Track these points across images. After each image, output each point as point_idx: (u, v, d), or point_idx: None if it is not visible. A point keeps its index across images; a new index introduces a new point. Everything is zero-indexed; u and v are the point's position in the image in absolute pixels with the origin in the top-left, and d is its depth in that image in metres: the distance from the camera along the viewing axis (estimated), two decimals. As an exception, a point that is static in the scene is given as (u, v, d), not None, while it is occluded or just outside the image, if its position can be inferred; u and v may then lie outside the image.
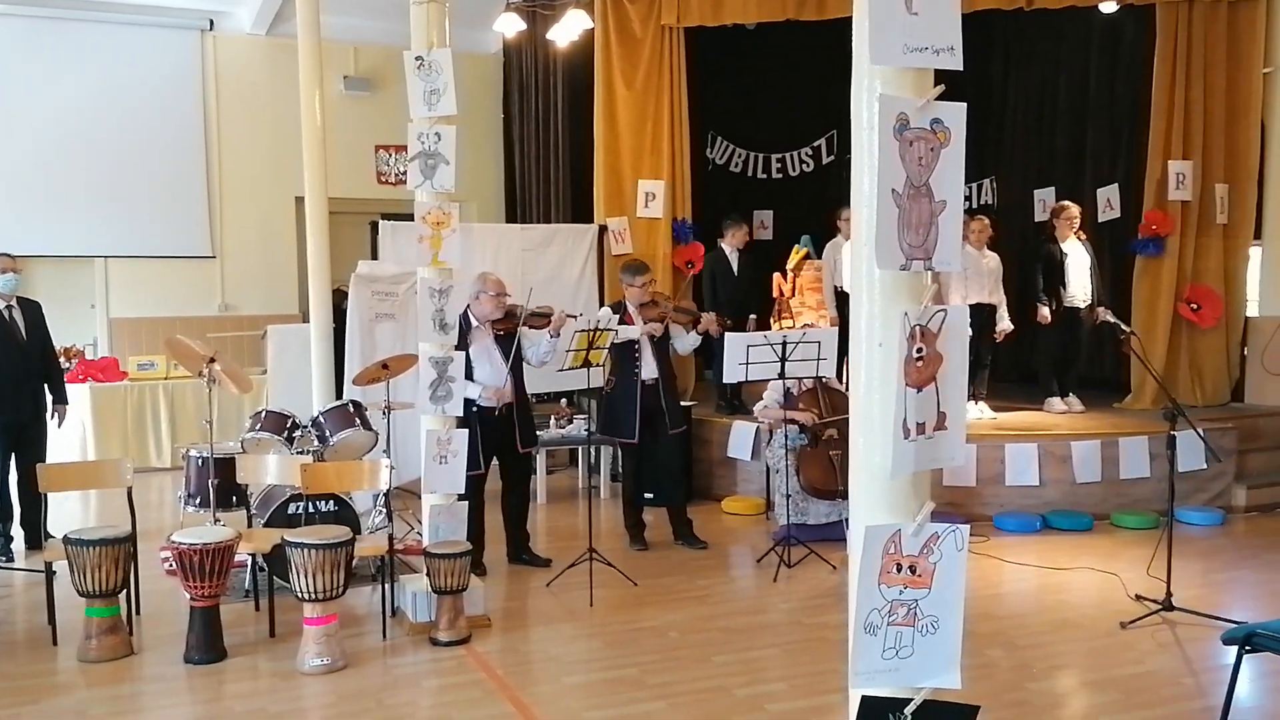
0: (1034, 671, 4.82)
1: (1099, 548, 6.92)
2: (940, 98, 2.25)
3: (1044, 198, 10.82)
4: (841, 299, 8.58)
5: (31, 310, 7.06)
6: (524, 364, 6.55)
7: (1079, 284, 8.60)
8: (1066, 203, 8.95)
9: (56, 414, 7.09)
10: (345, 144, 11.13)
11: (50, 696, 4.61)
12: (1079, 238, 8.68)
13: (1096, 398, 9.13)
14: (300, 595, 4.87)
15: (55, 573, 5.27)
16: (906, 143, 2.19)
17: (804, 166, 12.81)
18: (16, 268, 6.95)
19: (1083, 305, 8.55)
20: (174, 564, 5.05)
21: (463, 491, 5.60)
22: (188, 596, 4.98)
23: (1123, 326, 6.45)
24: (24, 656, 5.07)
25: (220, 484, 5.97)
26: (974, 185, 11.69)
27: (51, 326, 7.23)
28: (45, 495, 5.51)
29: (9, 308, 6.86)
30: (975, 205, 11.54)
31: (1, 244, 10.06)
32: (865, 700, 2.30)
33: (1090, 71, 10.55)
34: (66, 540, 5.02)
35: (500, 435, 6.44)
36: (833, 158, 12.53)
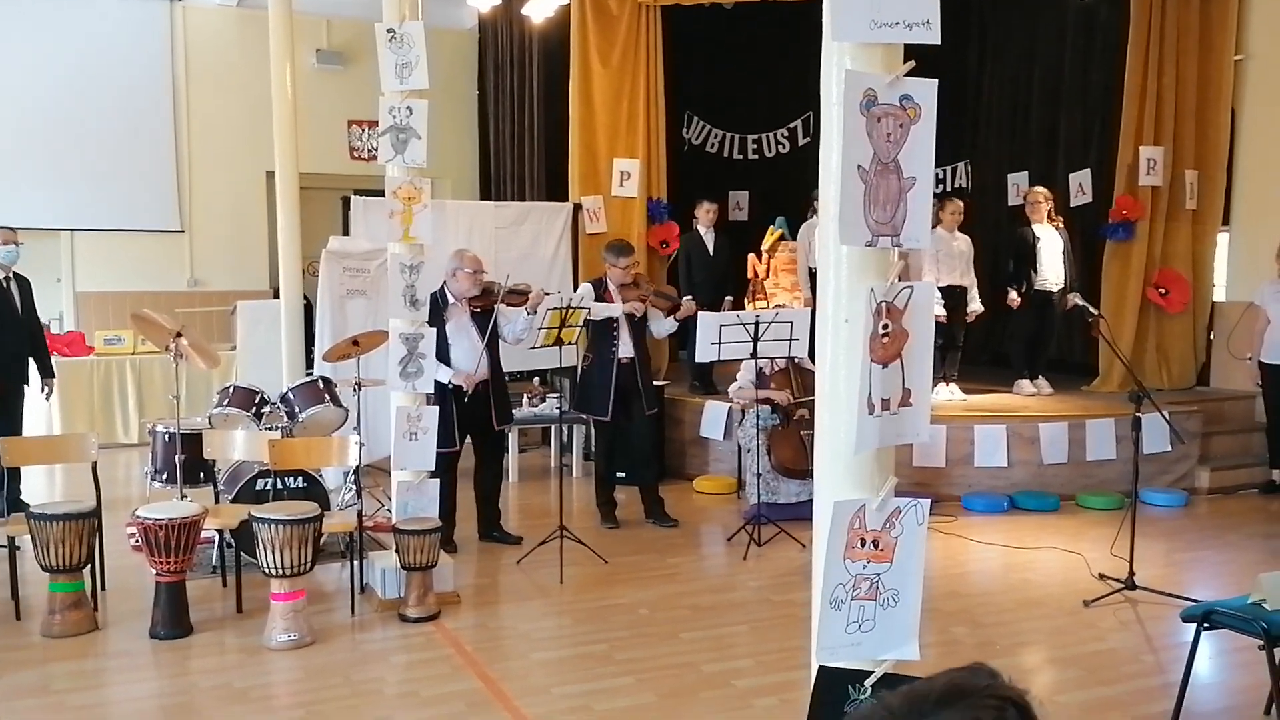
0: (997, 648, 4.87)
1: (1065, 528, 6.99)
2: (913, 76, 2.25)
3: (1018, 182, 10.86)
4: (816, 280, 8.58)
5: (24, 285, 7.14)
6: (500, 341, 6.53)
7: (1051, 268, 8.64)
8: (1038, 187, 9.00)
9: (46, 387, 7.17)
10: (317, 118, 11.02)
11: (13, 671, 4.57)
12: (1053, 222, 8.72)
13: (1065, 380, 9.21)
14: (267, 571, 4.85)
15: (19, 547, 5.23)
16: (874, 119, 2.18)
17: (780, 148, 12.80)
18: (17, 239, 6.97)
19: (1055, 289, 8.60)
20: (140, 539, 5.01)
21: (432, 469, 5.59)
22: (153, 572, 4.94)
23: (1091, 310, 6.50)
24: (-13, 631, 5.03)
25: (187, 459, 5.93)
26: (948, 168, 11.73)
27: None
28: (6, 469, 5.44)
29: (7, 279, 6.93)
30: (949, 188, 11.59)
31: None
32: (823, 671, 2.32)
33: (1064, 57, 10.59)
34: (30, 515, 4.97)
35: (476, 412, 6.42)
36: (809, 139, 12.51)
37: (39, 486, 7.75)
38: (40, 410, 9.32)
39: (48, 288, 10.94)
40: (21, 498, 6.87)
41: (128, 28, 10.99)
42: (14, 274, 7.03)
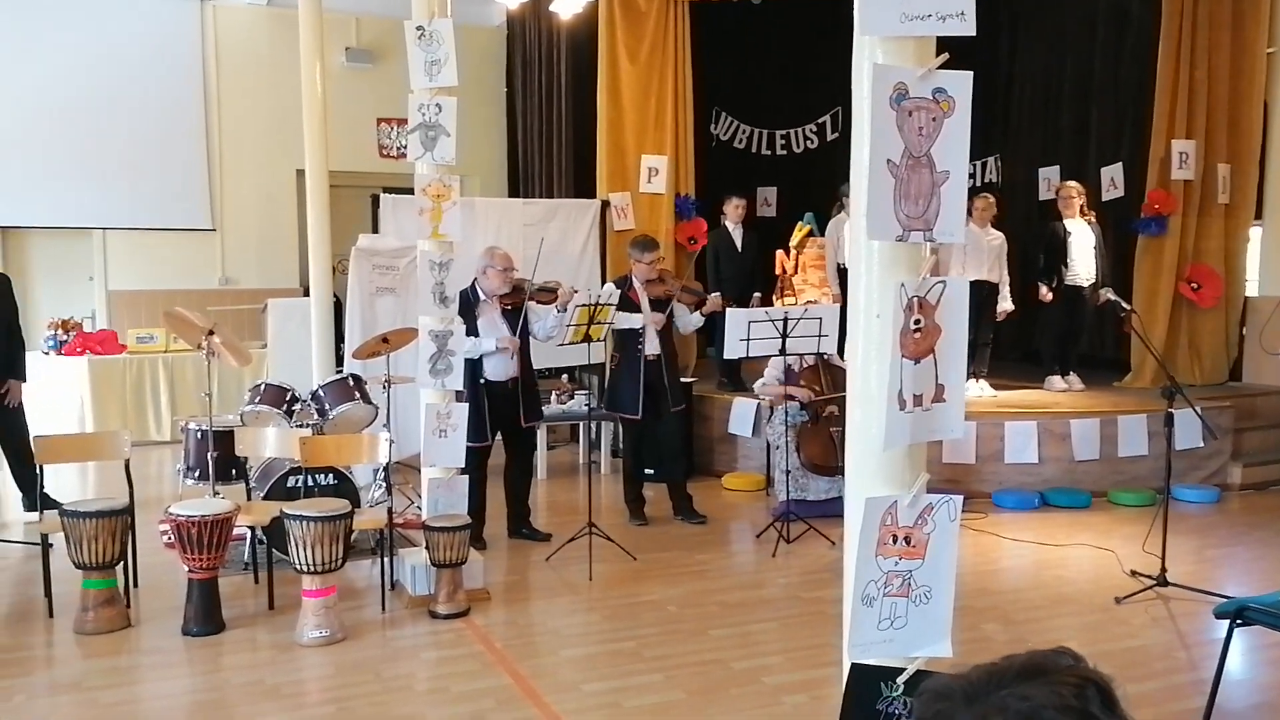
0: (1029, 645, 4.82)
1: (1096, 524, 6.93)
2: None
3: (1049, 176, 10.78)
4: (845, 276, 8.54)
5: (2, 284, 6.98)
6: (530, 338, 6.55)
7: (1083, 263, 8.57)
8: (1071, 182, 8.92)
9: (8, 388, 6.84)
10: (347, 117, 11.07)
11: (46, 669, 4.62)
12: (1085, 217, 8.64)
13: (1097, 376, 9.13)
14: (299, 567, 4.88)
15: (52, 545, 5.27)
16: (905, 113, 2.16)
17: (808, 143, 12.75)
18: None
19: (1086, 284, 8.52)
20: (172, 536, 5.05)
21: (462, 465, 5.60)
22: (186, 569, 4.98)
23: (1123, 305, 6.43)
24: (20, 629, 5.08)
25: (219, 457, 5.96)
26: (978, 163, 11.64)
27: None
28: (41, 467, 5.49)
29: None
30: (979, 183, 11.50)
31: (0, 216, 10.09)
32: (855, 668, 2.31)
33: (1096, 50, 10.48)
34: (63, 512, 5.00)
35: (506, 409, 6.44)
36: (837, 134, 12.46)
37: (72, 483, 7.84)
38: (73, 408, 9.45)
39: (81, 286, 11.09)
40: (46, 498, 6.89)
41: (159, 27, 11.08)
42: None
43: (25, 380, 7.01)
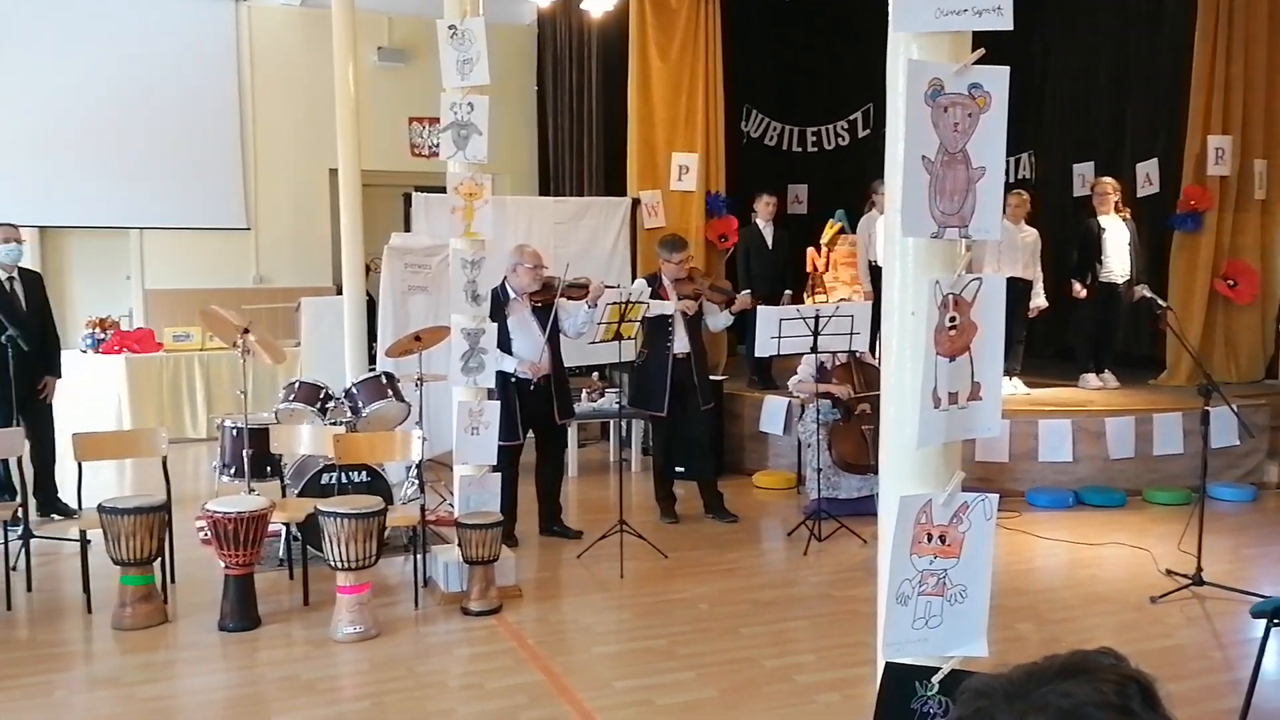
0: (1063, 645, 4.78)
1: (1131, 523, 6.87)
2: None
3: (1083, 172, 10.67)
4: (876, 274, 8.52)
5: (32, 281, 7.01)
6: (561, 336, 6.57)
7: (1117, 260, 8.48)
8: (1105, 178, 8.83)
9: (45, 385, 6.92)
10: (379, 116, 11.13)
11: (85, 664, 4.69)
12: (1120, 213, 8.56)
13: (1132, 374, 9.04)
14: (333, 564, 4.92)
15: (90, 541, 5.33)
16: (940, 108, 2.15)
17: (840, 140, 12.69)
18: (19, 238, 6.85)
19: (1121, 281, 8.44)
20: (209, 533, 5.10)
21: (494, 463, 5.62)
22: (222, 565, 5.04)
23: (1159, 302, 6.37)
24: (59, 624, 5.15)
25: (254, 454, 6.01)
26: (1011, 159, 11.53)
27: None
28: (80, 464, 5.56)
29: (10, 279, 6.79)
30: (1013, 179, 11.40)
31: (37, 215, 10.23)
32: (890, 667, 2.30)
33: (1131, 44, 10.37)
34: (102, 509, 5.07)
35: (537, 406, 6.46)
36: (869, 131, 12.39)
37: (110, 480, 7.93)
38: (111, 406, 9.56)
39: (118, 284, 11.22)
40: (59, 496, 6.97)
41: (194, 28, 11.18)
42: (20, 271, 6.89)
43: (60, 376, 7.09)
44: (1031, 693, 1.08)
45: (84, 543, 5.34)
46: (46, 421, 6.95)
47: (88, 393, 9.04)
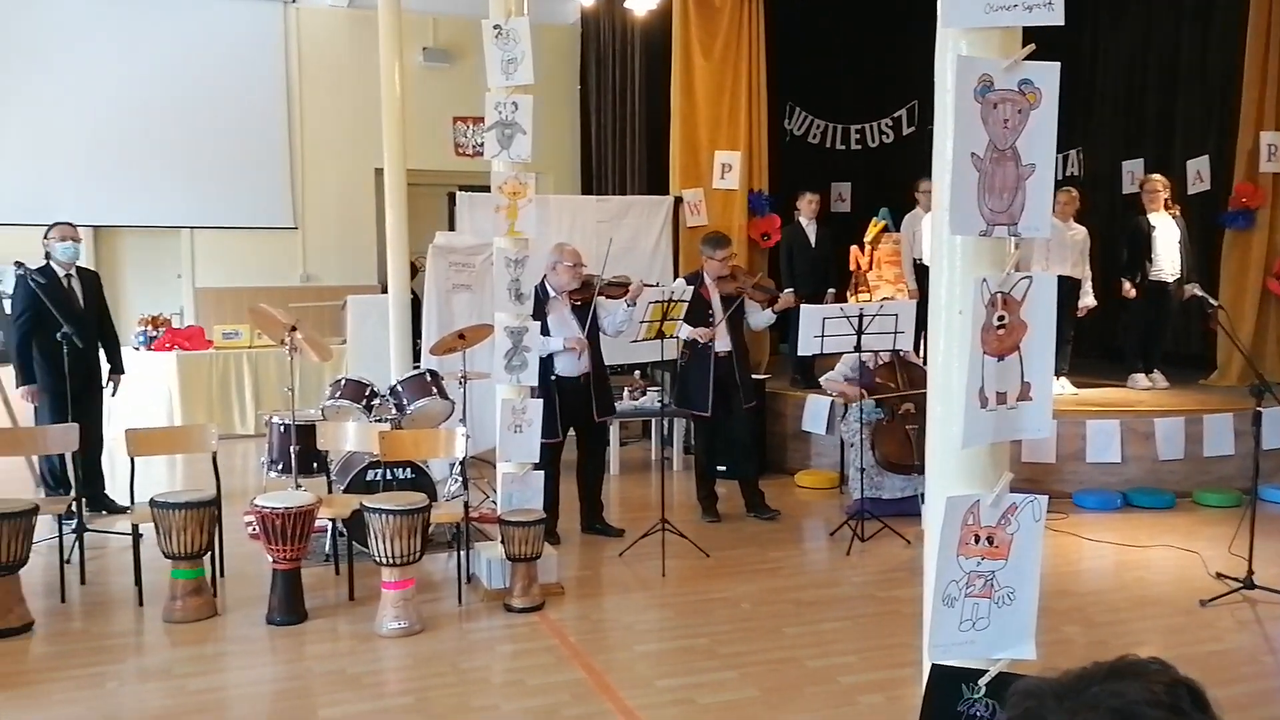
0: (1111, 648, 4.73)
1: (1180, 525, 6.76)
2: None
3: (1132, 169, 10.52)
4: (921, 272, 8.46)
5: (90, 280, 7.11)
6: (600, 334, 6.58)
7: (1167, 258, 8.36)
8: (1154, 175, 8.71)
9: (112, 383, 7.10)
10: (424, 116, 11.19)
11: (136, 655, 4.76)
12: (1170, 211, 8.43)
13: (1182, 374, 8.91)
14: (378, 560, 4.96)
15: (142, 535, 5.42)
16: (990, 105, 2.13)
17: (884, 138, 12.60)
18: (77, 237, 6.95)
19: (1171, 280, 8.32)
20: (257, 527, 5.16)
21: (537, 460, 5.64)
22: (270, 559, 5.10)
23: (1210, 300, 6.27)
24: (111, 617, 5.23)
25: (301, 450, 6.09)
26: (1060, 156, 11.37)
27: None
28: (133, 459, 5.66)
29: (68, 276, 6.89)
30: (1061, 176, 11.25)
31: (92, 214, 10.41)
32: (936, 669, 2.28)
33: (1182, 39, 10.21)
34: (153, 503, 5.14)
35: (578, 404, 6.48)
36: (913, 129, 12.30)
37: (160, 475, 8.06)
38: (162, 402, 9.72)
39: (169, 283, 11.40)
40: (106, 492, 7.06)
41: (244, 31, 11.34)
42: (78, 270, 7.00)
43: (124, 373, 7.25)
44: (1082, 693, 1.08)
45: (136, 536, 5.42)
46: (96, 418, 7.07)
47: (140, 389, 9.18)
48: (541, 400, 5.65)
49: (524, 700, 4.22)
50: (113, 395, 7.15)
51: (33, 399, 6.74)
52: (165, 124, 10.99)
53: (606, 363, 6.81)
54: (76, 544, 5.75)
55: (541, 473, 5.68)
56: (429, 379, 6.71)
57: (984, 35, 2.17)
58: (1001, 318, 2.19)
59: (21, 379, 6.74)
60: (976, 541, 2.25)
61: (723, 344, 6.85)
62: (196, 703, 4.20)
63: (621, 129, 11.22)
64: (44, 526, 5.45)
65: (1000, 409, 2.24)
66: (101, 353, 7.12)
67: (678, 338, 6.57)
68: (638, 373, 9.68)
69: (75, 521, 5.78)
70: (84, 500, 6.25)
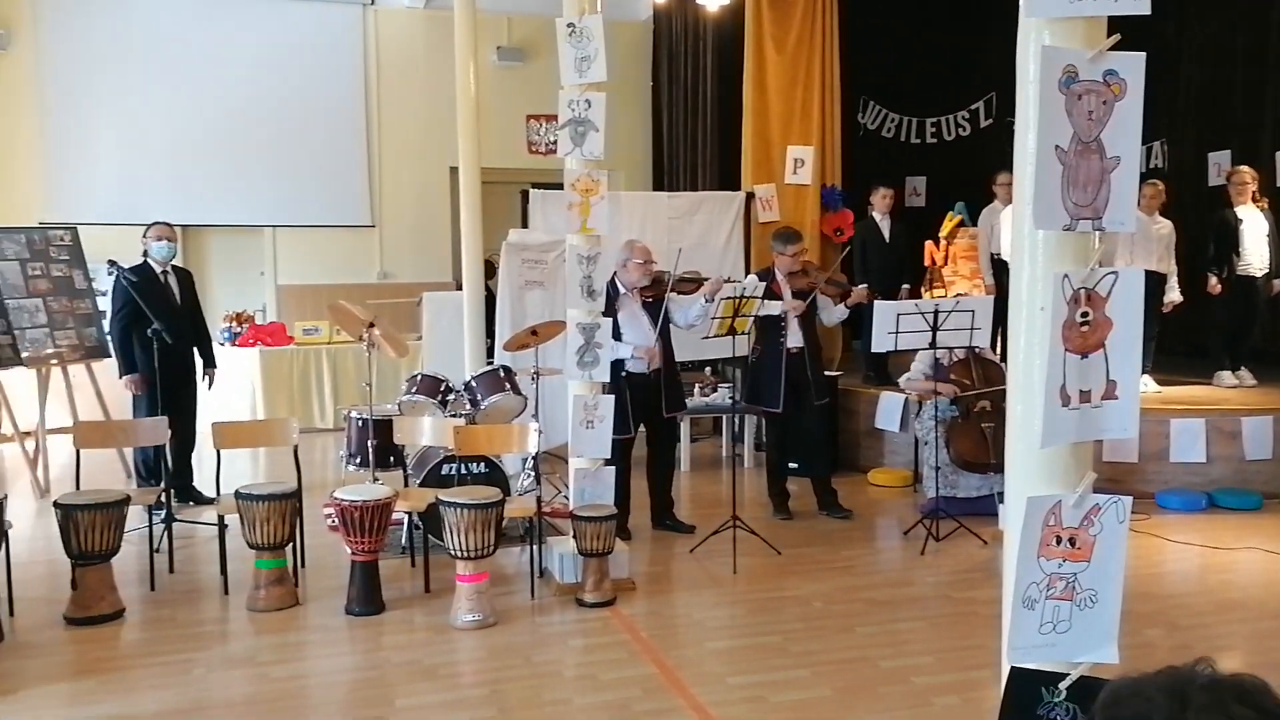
0: (1194, 653, 4.60)
1: (1268, 527, 6.57)
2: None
3: (1219, 161, 10.23)
4: (999, 267, 8.31)
5: (184, 277, 7.41)
6: (671, 330, 6.58)
7: (1255, 252, 8.13)
8: (1242, 167, 8.46)
9: (207, 377, 7.40)
10: (498, 114, 11.30)
11: (221, 643, 4.88)
12: (1258, 204, 8.19)
13: (1270, 371, 8.65)
14: (453, 553, 5.02)
15: (227, 526, 5.57)
16: (1074, 96, 2.09)
17: (960, 131, 12.42)
18: (173, 236, 7.26)
19: (1259, 274, 8.09)
20: (336, 520, 5.27)
21: (608, 456, 5.67)
22: (349, 551, 5.19)
23: (1303, 296, 6.08)
24: (198, 605, 5.37)
25: (379, 444, 6.20)
26: (1144, 148, 11.12)
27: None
28: (219, 451, 5.80)
29: (165, 273, 7.19)
30: (1145, 169, 10.99)
31: (181, 214, 10.71)
32: (1015, 672, 2.24)
33: (1270, 25, 9.89)
34: (238, 495, 5.28)
35: (648, 400, 6.49)
36: (991, 121, 12.10)
37: (244, 467, 8.25)
38: (245, 397, 9.95)
39: (253, 280, 11.67)
40: (194, 484, 7.30)
41: (325, 33, 11.56)
42: (173, 267, 7.28)
43: (216, 367, 7.53)
44: (1187, 688, 1.07)
45: (221, 527, 5.57)
46: (190, 412, 7.28)
47: (224, 384, 9.40)
48: (613, 397, 5.67)
49: (596, 694, 4.24)
50: (209, 388, 7.43)
51: (135, 387, 7.01)
52: (249, 126, 11.25)
53: (677, 359, 6.81)
54: (165, 534, 5.92)
55: (613, 468, 5.70)
56: (502, 375, 6.77)
57: (1068, 25, 2.12)
58: (1085, 314, 2.15)
59: (124, 368, 7.03)
60: (1058, 543, 2.21)
61: (794, 340, 6.81)
62: (279, 690, 4.30)
63: (693, 125, 11.21)
64: (134, 517, 5.62)
65: (1084, 408, 2.19)
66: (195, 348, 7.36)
67: (757, 317, 6.50)
68: (709, 369, 9.67)
69: (164, 512, 5.95)
70: (173, 491, 6.42)
